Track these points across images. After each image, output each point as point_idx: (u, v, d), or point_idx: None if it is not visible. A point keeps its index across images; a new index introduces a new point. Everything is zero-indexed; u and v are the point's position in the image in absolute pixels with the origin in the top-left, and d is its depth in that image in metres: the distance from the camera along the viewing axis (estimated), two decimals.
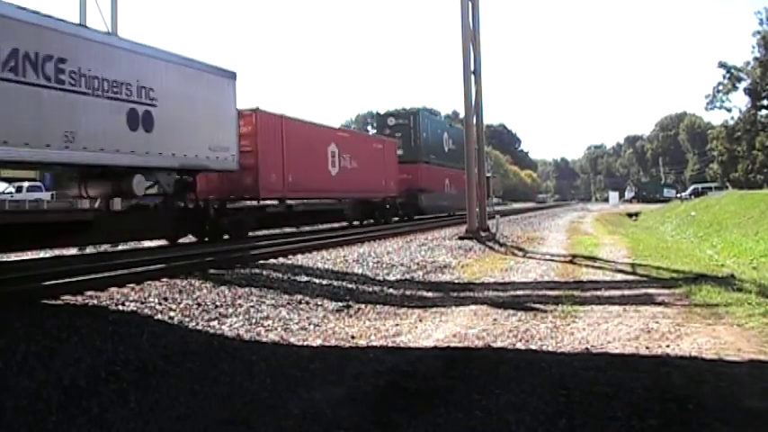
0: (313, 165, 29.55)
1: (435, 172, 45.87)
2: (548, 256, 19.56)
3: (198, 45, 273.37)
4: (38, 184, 45.82)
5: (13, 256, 17.79)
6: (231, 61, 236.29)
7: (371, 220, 36.59)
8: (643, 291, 12.45)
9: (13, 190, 42.76)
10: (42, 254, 18.25)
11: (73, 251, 19.81)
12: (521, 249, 21.83)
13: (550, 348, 8.12)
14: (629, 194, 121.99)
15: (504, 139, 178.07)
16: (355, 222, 35.62)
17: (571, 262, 17.81)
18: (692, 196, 72.73)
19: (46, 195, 40.97)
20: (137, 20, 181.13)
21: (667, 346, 7.92)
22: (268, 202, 26.50)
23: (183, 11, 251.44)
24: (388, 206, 38.26)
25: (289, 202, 27.67)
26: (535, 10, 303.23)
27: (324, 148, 31.35)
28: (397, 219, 39.61)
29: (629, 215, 60.90)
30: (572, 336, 8.69)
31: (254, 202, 26.05)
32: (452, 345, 8.36)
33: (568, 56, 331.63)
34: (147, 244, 21.99)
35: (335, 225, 33.63)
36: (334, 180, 31.89)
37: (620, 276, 14.88)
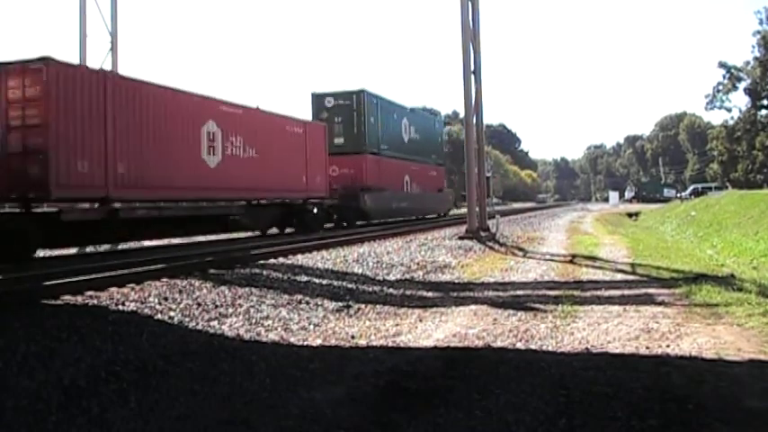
0: (172, 150, 20.71)
1: (389, 166, 38.23)
2: (548, 256, 19.57)
3: (200, 43, 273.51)
4: None
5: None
6: (231, 62, 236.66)
7: (289, 229, 28.63)
8: (643, 290, 12.45)
9: None
10: (41, 253, 18.21)
11: (73, 251, 19.80)
12: (521, 249, 21.83)
13: (550, 348, 8.12)
14: (628, 194, 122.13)
15: (504, 139, 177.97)
16: (269, 231, 28.34)
17: (571, 262, 17.81)
18: (692, 196, 72.76)
19: None
20: (138, 21, 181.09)
21: (667, 346, 7.92)
22: (65, 205, 17.75)
23: (182, 8, 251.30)
24: (313, 210, 29.35)
25: (117, 204, 18.70)
26: (535, 10, 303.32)
27: (195, 128, 21.98)
28: (331, 226, 32.31)
29: (629, 215, 60.88)
30: (572, 336, 8.69)
31: (43, 205, 17.80)
32: (452, 345, 8.36)
33: (568, 56, 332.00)
34: (146, 243, 21.95)
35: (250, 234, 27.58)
36: (214, 173, 22.68)
37: (620, 276, 14.88)
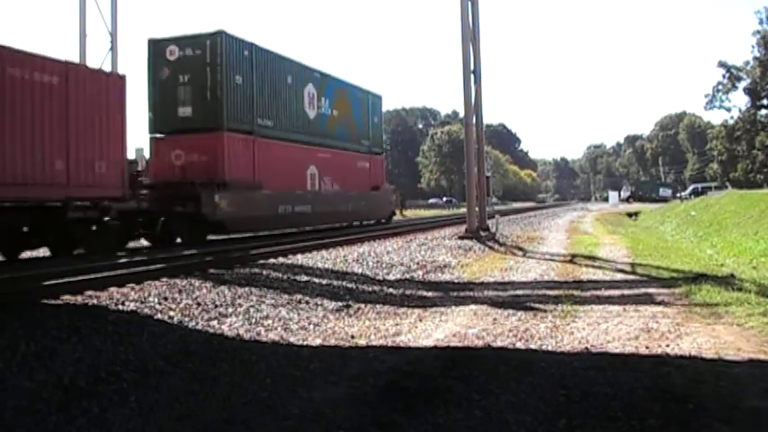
0: None
1: (275, 153, 26.74)
2: (548, 256, 19.59)
3: None
4: None
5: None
6: None
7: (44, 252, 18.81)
8: (643, 290, 12.46)
9: None
10: (41, 253, 18.21)
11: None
12: (520, 249, 21.84)
13: (550, 348, 8.12)
14: (624, 194, 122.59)
15: (504, 139, 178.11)
16: None
17: (571, 261, 17.82)
18: (692, 196, 72.79)
19: None
20: (139, 19, 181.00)
21: (667, 346, 7.92)
22: None
23: (179, 8, 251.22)
24: (93, 221, 18.26)
25: None
26: (535, 10, 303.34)
27: None
28: (143, 246, 22.19)
29: (629, 215, 60.86)
30: (572, 335, 8.70)
31: None
32: (452, 344, 8.36)
33: (568, 56, 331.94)
34: (145, 243, 21.97)
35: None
36: None
37: (619, 276, 14.89)
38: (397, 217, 50.59)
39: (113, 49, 27.66)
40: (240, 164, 24.67)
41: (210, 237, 24.01)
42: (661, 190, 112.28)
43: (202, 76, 23.80)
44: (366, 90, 37.61)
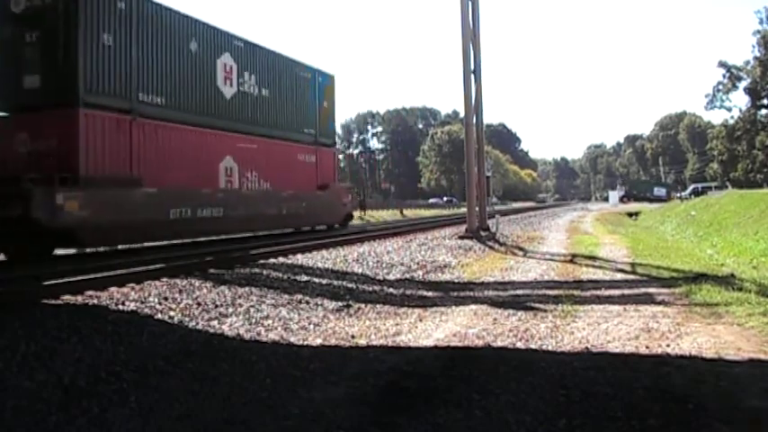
0: None
1: (171, 139, 20.97)
2: (548, 256, 19.59)
3: None
4: None
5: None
6: None
7: None
8: (643, 290, 12.46)
9: None
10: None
11: (72, 250, 19.78)
12: (521, 249, 21.85)
13: (550, 348, 8.12)
14: (618, 193, 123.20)
15: (504, 139, 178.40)
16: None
17: (571, 261, 17.83)
18: (692, 196, 72.90)
19: None
20: None
21: (667, 346, 7.92)
22: None
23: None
24: None
25: None
26: (535, 10, 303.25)
27: None
28: None
29: (629, 215, 60.94)
30: (572, 335, 8.70)
31: None
32: (452, 344, 8.35)
33: (568, 55, 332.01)
34: (146, 243, 21.99)
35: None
36: None
37: (620, 276, 14.88)
38: (396, 217, 49.44)
39: None
40: (107, 152, 18.51)
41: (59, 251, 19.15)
42: (655, 189, 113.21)
43: (54, 33, 17.77)
44: (312, 67, 30.36)
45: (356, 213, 39.49)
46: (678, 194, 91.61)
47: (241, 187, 24.28)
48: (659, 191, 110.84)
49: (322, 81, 31.33)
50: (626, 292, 12.38)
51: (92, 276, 12.25)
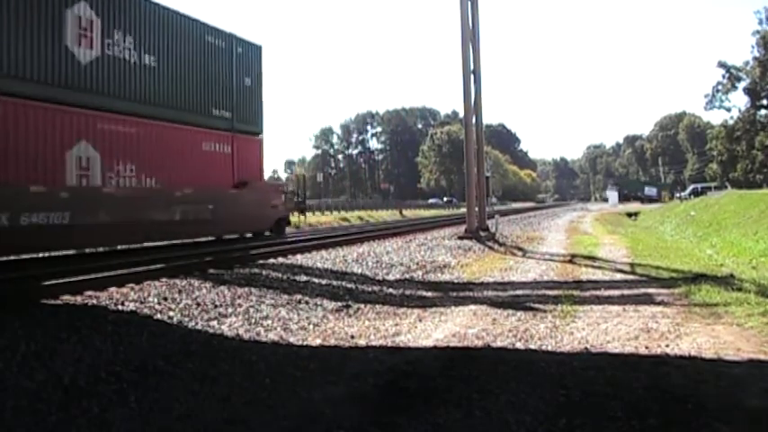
0: None
1: None
2: (547, 256, 19.59)
3: None
4: None
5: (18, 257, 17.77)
6: None
7: None
8: (642, 290, 12.46)
9: None
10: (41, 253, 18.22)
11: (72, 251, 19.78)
12: (520, 249, 21.85)
13: (550, 348, 8.12)
14: (611, 193, 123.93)
15: (504, 139, 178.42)
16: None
17: (570, 262, 17.83)
18: (692, 196, 72.97)
19: None
20: None
21: (667, 346, 7.92)
22: None
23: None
24: None
25: None
26: (535, 10, 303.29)
27: None
28: None
29: (629, 215, 61.01)
30: (571, 335, 8.70)
31: None
32: (452, 344, 8.35)
33: (568, 55, 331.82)
34: (146, 244, 21.98)
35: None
36: None
37: (619, 276, 14.88)
38: (396, 217, 48.99)
39: None
40: None
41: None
42: (646, 189, 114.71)
43: None
44: (229, 34, 23.57)
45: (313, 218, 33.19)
46: (678, 195, 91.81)
47: (105, 184, 17.82)
48: (650, 190, 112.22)
49: (243, 52, 24.25)
50: (625, 292, 12.39)
51: (91, 276, 12.27)
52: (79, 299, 10.87)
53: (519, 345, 8.34)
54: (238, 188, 23.12)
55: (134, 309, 10.18)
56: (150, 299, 10.91)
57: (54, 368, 6.81)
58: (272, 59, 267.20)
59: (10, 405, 5.76)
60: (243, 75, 24.05)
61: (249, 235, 24.75)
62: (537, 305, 10.99)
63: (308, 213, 53.38)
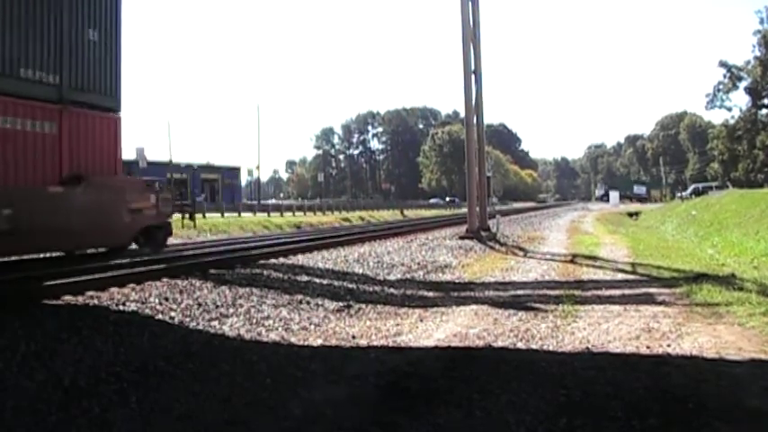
0: None
1: None
2: (548, 256, 19.59)
3: (196, 44, 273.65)
4: None
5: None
6: (229, 59, 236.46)
7: None
8: (644, 290, 12.45)
9: None
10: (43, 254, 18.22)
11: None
12: (521, 249, 21.85)
13: (551, 348, 8.12)
14: (599, 192, 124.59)
15: (505, 139, 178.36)
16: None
17: (572, 261, 17.83)
18: (693, 195, 72.97)
19: None
20: (136, 19, 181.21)
21: (668, 346, 7.92)
22: None
23: (182, 11, 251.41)
24: None
25: None
26: (535, 9, 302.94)
27: None
28: None
29: (630, 215, 61.01)
30: (573, 335, 8.69)
31: None
32: (453, 344, 8.35)
33: (568, 55, 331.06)
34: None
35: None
36: None
37: (620, 276, 14.88)
38: (397, 217, 48.84)
39: None
40: None
41: None
42: (635, 188, 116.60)
43: None
44: None
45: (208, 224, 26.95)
46: (679, 194, 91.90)
47: None
48: (639, 189, 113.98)
49: None
50: (626, 292, 12.38)
51: (92, 277, 12.26)
52: (80, 299, 10.87)
53: (520, 345, 8.34)
54: (68, 185, 15.97)
55: (135, 309, 10.18)
56: (151, 299, 10.91)
57: (54, 368, 6.81)
58: (270, 59, 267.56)
59: (10, 405, 5.76)
60: (83, 24, 16.76)
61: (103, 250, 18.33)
62: (538, 305, 10.98)
63: (308, 213, 53.09)
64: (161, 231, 19.63)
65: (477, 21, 25.62)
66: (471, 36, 25.36)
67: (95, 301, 10.73)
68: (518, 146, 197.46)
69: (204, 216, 39.91)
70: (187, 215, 31.34)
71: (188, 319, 9.73)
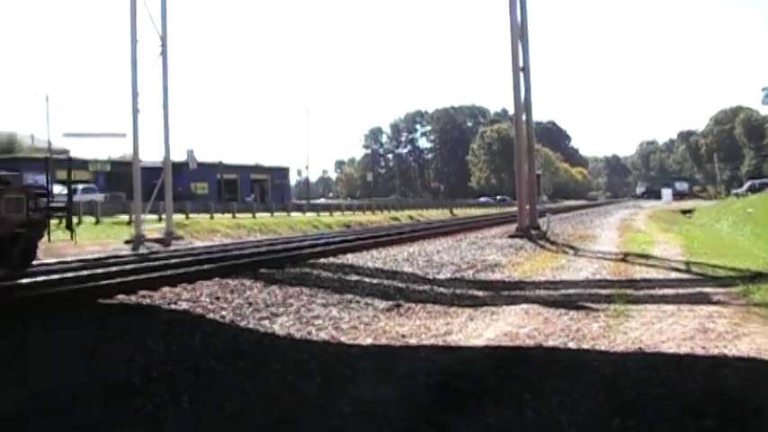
0: None
1: None
2: (599, 255, 19.39)
3: (246, 46, 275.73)
4: (92, 186, 47.19)
5: (69, 257, 18.07)
6: (278, 60, 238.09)
7: None
8: (698, 289, 12.26)
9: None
10: (97, 254, 18.51)
11: (126, 250, 20.07)
12: (572, 247, 21.68)
13: (603, 348, 8.01)
14: (639, 190, 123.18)
15: (554, 136, 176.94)
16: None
17: (623, 260, 17.63)
18: (749, 192, 71.60)
19: (99, 196, 41.51)
20: (185, 24, 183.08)
21: (724, 347, 7.76)
22: None
23: (232, 15, 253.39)
24: None
25: None
26: (585, 4, 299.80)
27: None
28: None
29: (683, 212, 60.15)
30: (625, 335, 8.57)
31: None
32: (503, 344, 8.29)
33: (619, 50, 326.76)
34: (198, 243, 22.23)
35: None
36: None
37: (674, 275, 14.68)
38: (446, 216, 48.91)
39: (164, 53, 27.81)
40: None
41: None
42: (677, 184, 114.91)
43: None
44: None
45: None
46: (734, 191, 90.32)
47: None
48: (681, 186, 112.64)
49: None
50: (680, 291, 12.20)
51: (145, 276, 12.43)
52: (133, 298, 11.03)
53: (571, 344, 8.25)
54: None
55: (187, 308, 10.29)
56: (203, 298, 11.03)
57: (108, 366, 6.90)
58: (321, 59, 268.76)
59: (67, 401, 5.83)
60: None
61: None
62: (589, 304, 10.86)
63: (357, 213, 53.03)
64: (15, 245, 14.86)
65: (525, 17, 25.50)
66: (519, 32, 25.26)
67: (148, 301, 10.87)
68: (568, 143, 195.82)
69: (254, 216, 40.37)
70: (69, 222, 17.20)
71: (239, 318, 9.80)
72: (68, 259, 17.45)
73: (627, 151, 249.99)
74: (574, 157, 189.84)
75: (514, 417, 5.47)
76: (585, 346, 8.13)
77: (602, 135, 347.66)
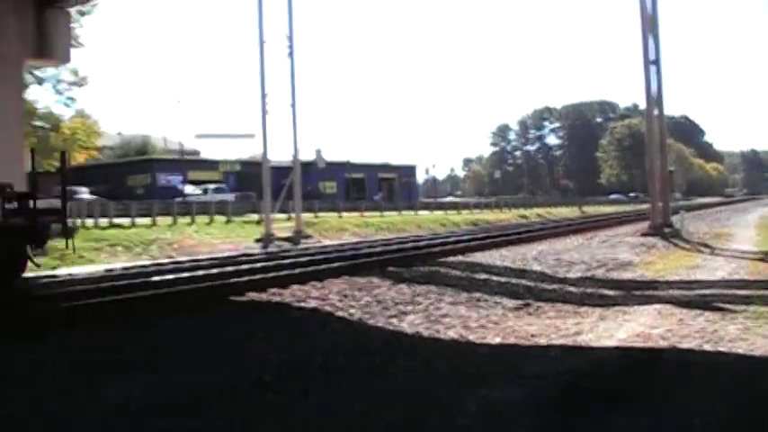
0: None
1: None
2: (737, 254, 18.72)
3: (373, 45, 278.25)
4: (223, 186, 48.68)
5: (202, 255, 18.69)
6: (406, 59, 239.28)
7: None
8: None
9: (200, 192, 45.83)
10: (227, 252, 19.07)
11: (256, 249, 20.58)
12: (707, 246, 21.00)
13: (741, 351, 7.71)
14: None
15: (687, 131, 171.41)
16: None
17: (763, 260, 16.94)
18: None
19: (230, 196, 42.72)
20: (311, 29, 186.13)
21: None
22: None
23: (358, 12, 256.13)
24: None
25: None
26: None
27: None
28: None
29: None
30: (765, 338, 8.23)
31: None
32: (636, 345, 8.11)
33: (755, 37, 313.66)
34: (326, 242, 22.58)
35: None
36: None
37: None
38: (576, 214, 48.24)
39: (291, 54, 28.34)
40: None
41: None
42: None
43: None
44: None
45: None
46: None
47: None
48: None
49: None
50: None
51: (274, 274, 12.72)
52: (264, 296, 11.31)
53: (707, 347, 7.97)
54: None
55: (316, 306, 10.48)
56: (331, 296, 11.20)
57: (241, 363, 7.11)
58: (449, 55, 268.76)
59: (198, 396, 6.03)
60: None
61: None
62: (726, 305, 10.47)
63: (485, 210, 52.75)
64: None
65: (655, 8, 24.87)
66: (650, 24, 24.60)
67: (278, 298, 11.13)
68: (701, 138, 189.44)
69: (382, 215, 40.77)
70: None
71: (367, 316, 9.92)
72: (200, 257, 18.14)
73: (766, 145, 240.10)
74: (708, 153, 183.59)
75: (647, 421, 5.33)
76: (722, 349, 7.85)
77: (738, 129, 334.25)
